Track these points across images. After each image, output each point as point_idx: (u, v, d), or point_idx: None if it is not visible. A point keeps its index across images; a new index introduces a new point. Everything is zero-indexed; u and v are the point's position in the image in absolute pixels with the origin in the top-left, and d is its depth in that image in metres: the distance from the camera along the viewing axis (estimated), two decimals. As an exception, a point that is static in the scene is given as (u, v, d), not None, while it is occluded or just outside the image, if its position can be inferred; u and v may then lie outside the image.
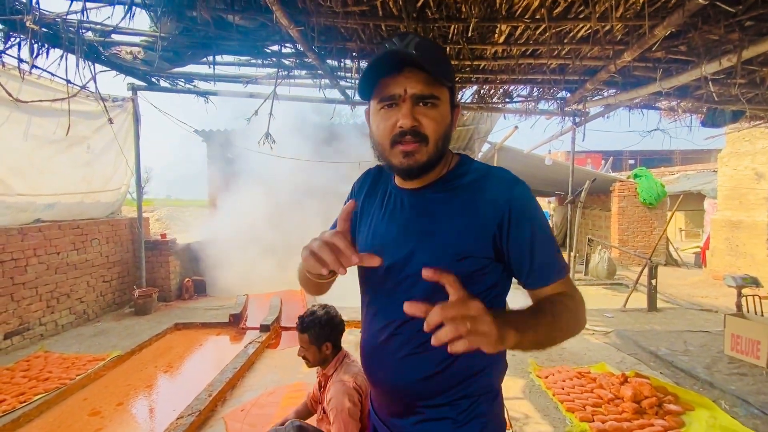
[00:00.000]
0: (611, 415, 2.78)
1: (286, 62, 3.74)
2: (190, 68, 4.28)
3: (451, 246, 0.84)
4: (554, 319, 0.79)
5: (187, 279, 6.55)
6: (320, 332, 1.88)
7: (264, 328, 4.59)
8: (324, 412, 1.96)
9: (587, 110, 4.94)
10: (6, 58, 3.31)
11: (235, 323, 5.04)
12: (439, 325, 0.61)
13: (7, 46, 3.16)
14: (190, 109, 7.00)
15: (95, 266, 5.35)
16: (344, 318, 2.04)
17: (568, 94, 4.48)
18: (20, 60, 3.27)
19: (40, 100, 4.18)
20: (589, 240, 8.63)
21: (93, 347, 4.22)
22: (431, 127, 0.80)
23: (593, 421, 2.74)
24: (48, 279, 4.63)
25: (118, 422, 2.97)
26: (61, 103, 4.25)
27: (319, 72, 3.82)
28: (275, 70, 3.88)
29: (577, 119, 5.17)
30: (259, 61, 3.78)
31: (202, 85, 4.83)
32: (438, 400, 0.88)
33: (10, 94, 3.91)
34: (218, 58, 3.73)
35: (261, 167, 7.56)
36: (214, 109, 5.30)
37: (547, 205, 15.84)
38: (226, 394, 3.28)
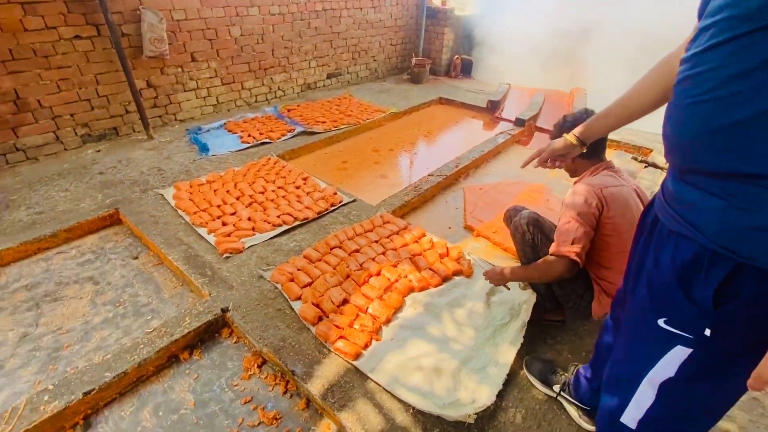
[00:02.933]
0: None
1: None
2: None
3: None
4: None
5: (456, 56, 6.54)
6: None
7: (519, 122, 4.33)
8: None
9: None
10: None
11: (492, 110, 4.95)
12: None
13: None
14: None
15: (386, 27, 5.86)
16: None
17: None
18: None
19: None
20: None
21: (378, 100, 5.07)
22: None
23: None
24: (353, 33, 5.42)
25: (389, 161, 3.70)
26: None
27: None
28: None
29: None
30: None
31: None
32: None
33: None
34: None
35: None
36: None
37: None
38: (469, 171, 3.50)
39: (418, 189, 2.96)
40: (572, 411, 1.51)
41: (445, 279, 2.08)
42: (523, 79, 6.05)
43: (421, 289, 2.01)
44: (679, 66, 0.76)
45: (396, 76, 6.33)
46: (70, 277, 2.21)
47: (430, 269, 2.11)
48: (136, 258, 2.37)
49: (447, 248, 2.29)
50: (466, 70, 6.67)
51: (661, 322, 0.81)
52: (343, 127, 4.10)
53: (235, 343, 1.86)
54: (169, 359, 1.76)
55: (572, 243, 1.42)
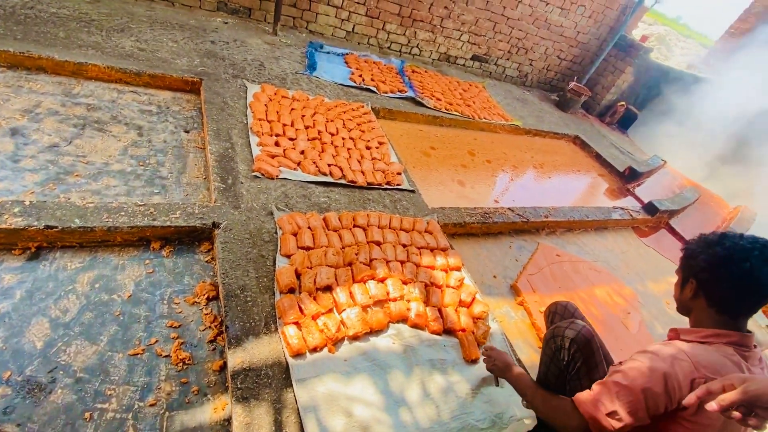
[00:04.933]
0: None
1: None
2: None
3: None
4: None
5: (621, 103, 5.55)
6: (695, 266, 1.03)
7: (650, 208, 3.50)
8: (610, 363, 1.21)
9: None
10: None
11: (627, 179, 4.10)
12: None
13: None
14: None
15: (563, 36, 5.10)
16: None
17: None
18: None
19: None
20: None
21: (509, 107, 4.48)
22: None
23: None
24: (524, 26, 4.79)
25: (478, 172, 3.23)
26: None
27: None
28: None
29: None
30: None
31: None
32: None
33: None
34: None
35: None
36: None
37: None
38: (558, 229, 2.89)
39: (487, 217, 2.49)
40: None
41: (447, 332, 1.68)
42: (683, 165, 4.94)
43: (413, 326, 1.64)
44: None
45: (543, 92, 5.58)
46: (125, 118, 2.22)
47: (438, 310, 1.72)
48: (187, 132, 2.32)
49: (473, 298, 1.86)
50: (625, 123, 5.66)
51: None
52: (454, 113, 3.67)
53: (207, 262, 1.70)
54: (140, 240, 1.65)
55: (615, 417, 0.93)
